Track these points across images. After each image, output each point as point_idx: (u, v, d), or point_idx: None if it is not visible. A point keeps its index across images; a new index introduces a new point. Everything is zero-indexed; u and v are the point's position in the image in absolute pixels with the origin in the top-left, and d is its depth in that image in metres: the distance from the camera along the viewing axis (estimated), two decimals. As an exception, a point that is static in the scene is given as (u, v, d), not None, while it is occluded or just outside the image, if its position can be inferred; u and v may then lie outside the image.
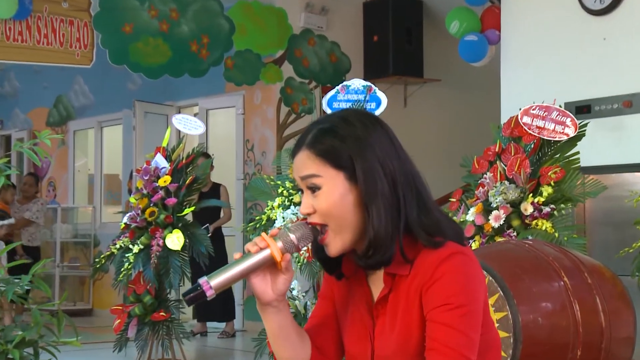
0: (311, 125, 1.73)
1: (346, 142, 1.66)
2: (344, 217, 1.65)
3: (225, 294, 8.44)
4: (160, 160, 5.79)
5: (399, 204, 1.64)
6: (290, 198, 4.60)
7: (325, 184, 1.66)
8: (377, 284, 1.72)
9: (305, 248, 1.86)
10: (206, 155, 7.69)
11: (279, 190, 4.70)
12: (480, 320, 1.61)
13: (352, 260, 1.73)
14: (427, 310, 1.59)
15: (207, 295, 1.62)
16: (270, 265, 1.68)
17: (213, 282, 1.63)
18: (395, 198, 1.65)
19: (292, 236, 1.67)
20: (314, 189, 1.68)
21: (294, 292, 4.64)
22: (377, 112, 4.82)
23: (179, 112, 9.53)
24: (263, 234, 1.69)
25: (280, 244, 1.67)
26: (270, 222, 4.67)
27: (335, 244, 1.68)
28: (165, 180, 5.68)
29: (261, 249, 1.66)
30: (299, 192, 4.56)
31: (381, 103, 4.84)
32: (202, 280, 1.63)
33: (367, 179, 1.64)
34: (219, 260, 7.81)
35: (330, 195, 1.66)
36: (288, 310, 1.76)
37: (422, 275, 1.62)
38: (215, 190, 8.33)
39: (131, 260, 5.62)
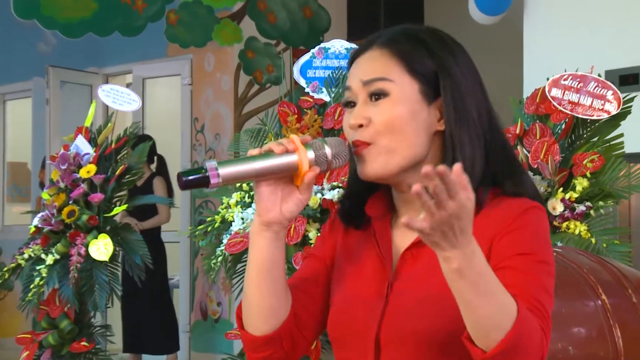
0: (383, 31, 1.83)
1: (433, 51, 1.76)
2: (407, 137, 1.73)
3: (167, 317, 8.52)
4: (82, 145, 5.77)
5: (484, 138, 1.76)
6: (252, 193, 4.61)
7: (396, 91, 1.74)
8: (406, 229, 1.78)
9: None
10: (145, 138, 7.70)
11: (237, 184, 4.71)
12: (553, 282, 1.71)
13: (381, 200, 1.83)
14: (501, 258, 1.67)
15: (211, 182, 1.68)
16: (287, 177, 1.74)
17: (222, 170, 1.68)
18: (481, 131, 1.76)
19: (328, 149, 1.72)
20: (378, 95, 1.75)
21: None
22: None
23: (107, 82, 9.49)
24: (293, 135, 1.73)
25: (311, 153, 1.72)
26: (226, 224, 4.68)
27: (377, 162, 1.74)
28: (88, 171, 5.67)
29: (287, 152, 1.71)
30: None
31: (369, 71, 4.86)
32: (209, 164, 1.68)
33: (456, 101, 1.74)
34: (158, 274, 7.81)
35: (399, 105, 1.73)
36: (284, 244, 1.80)
37: (499, 222, 1.71)
38: (151, 183, 8.31)
39: (43, 275, 5.60)
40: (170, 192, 8.45)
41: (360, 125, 1.75)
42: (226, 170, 1.69)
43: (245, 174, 1.71)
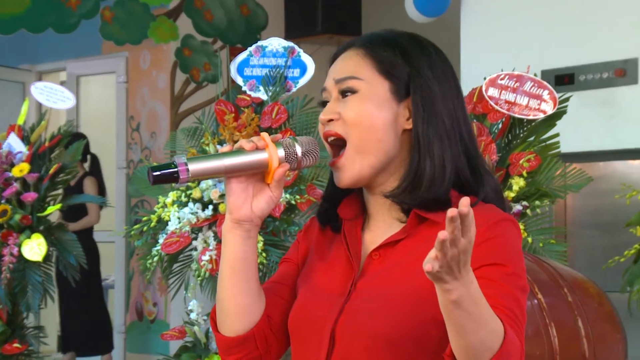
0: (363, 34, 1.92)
1: (407, 53, 1.82)
2: (374, 133, 1.77)
3: (100, 317, 8.45)
4: (14, 143, 5.71)
5: (457, 141, 1.79)
6: (189, 193, 4.59)
7: (365, 88, 1.80)
8: (379, 231, 1.83)
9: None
10: (79, 137, 7.63)
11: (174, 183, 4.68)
12: (527, 291, 1.73)
13: (354, 202, 1.87)
14: (474, 267, 1.66)
15: (180, 177, 1.71)
16: (258, 174, 1.77)
17: (192, 166, 1.72)
18: (453, 133, 1.79)
19: (298, 147, 1.76)
20: (347, 92, 1.80)
21: (192, 316, 4.64)
22: (302, 81, 4.84)
23: (40, 80, 9.39)
24: (264, 134, 1.77)
25: (281, 151, 1.75)
26: (162, 223, 4.65)
27: (352, 167, 1.79)
28: (21, 169, 5.61)
29: (257, 149, 1.75)
30: (198, 185, 4.56)
31: (307, 69, 4.86)
32: (179, 160, 1.72)
33: (425, 99, 1.79)
34: (90, 274, 7.75)
35: (366, 102, 1.79)
36: (256, 242, 1.83)
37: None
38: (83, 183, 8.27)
39: (-25, 275, 5.53)
40: (102, 192, 8.39)
41: (330, 120, 1.81)
42: (195, 166, 1.73)
43: (214, 170, 1.74)
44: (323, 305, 1.80)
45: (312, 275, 1.88)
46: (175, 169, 1.72)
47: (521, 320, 1.66)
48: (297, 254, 1.95)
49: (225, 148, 1.77)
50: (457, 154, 1.79)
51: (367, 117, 1.78)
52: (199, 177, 1.74)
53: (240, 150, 1.75)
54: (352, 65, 1.83)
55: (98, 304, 8.50)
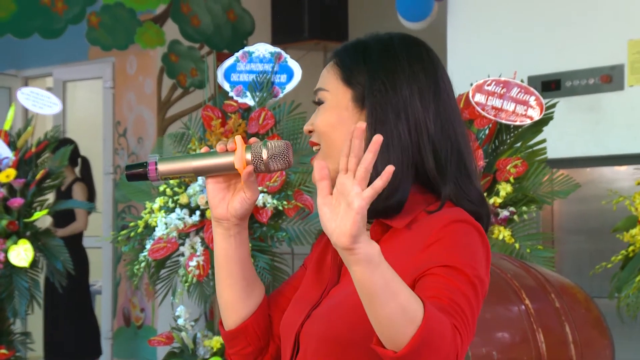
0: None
1: (370, 60, 1.84)
2: (335, 141, 1.83)
3: (88, 323, 8.43)
4: (0, 148, 5.70)
5: (418, 152, 1.79)
6: (176, 198, 4.59)
7: (329, 99, 1.87)
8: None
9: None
10: (67, 142, 7.62)
11: (161, 189, 4.68)
12: (482, 297, 1.70)
13: None
14: (422, 270, 1.69)
15: (149, 176, 1.81)
16: (234, 176, 1.85)
17: (161, 166, 1.82)
18: (410, 139, 1.79)
19: (264, 151, 1.81)
20: (319, 103, 1.89)
21: (180, 321, 4.63)
22: (288, 87, 4.84)
23: (26, 85, 9.37)
24: (238, 136, 1.84)
25: (249, 155, 1.81)
26: (149, 229, 4.65)
27: None
28: (8, 175, 5.59)
29: (227, 151, 1.82)
30: (186, 191, 4.56)
31: (294, 75, 4.86)
32: (150, 160, 1.82)
33: (376, 107, 1.81)
34: (78, 280, 7.74)
35: (328, 111, 1.86)
36: (242, 240, 1.91)
37: (424, 235, 1.73)
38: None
39: (-38, 281, 5.52)
40: (91, 197, 8.38)
41: (310, 131, 1.89)
42: (165, 166, 1.82)
43: (182, 170, 1.83)
44: (297, 312, 1.86)
45: (304, 282, 1.93)
46: (146, 168, 1.81)
47: (467, 315, 1.63)
48: (309, 258, 2.01)
49: (203, 149, 1.88)
50: (420, 159, 1.79)
51: (328, 126, 1.84)
52: (169, 176, 1.82)
53: (213, 152, 1.83)
54: (324, 76, 1.89)
55: (86, 310, 8.49)
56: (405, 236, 1.75)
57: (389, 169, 1.52)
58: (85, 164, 8.57)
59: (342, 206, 1.52)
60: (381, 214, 1.79)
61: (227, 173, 1.84)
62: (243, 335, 1.93)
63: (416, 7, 6.75)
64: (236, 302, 1.92)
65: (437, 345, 1.54)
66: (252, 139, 1.84)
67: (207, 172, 1.84)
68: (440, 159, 1.81)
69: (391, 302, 1.52)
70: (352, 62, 1.86)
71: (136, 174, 1.82)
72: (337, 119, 1.84)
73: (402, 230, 1.77)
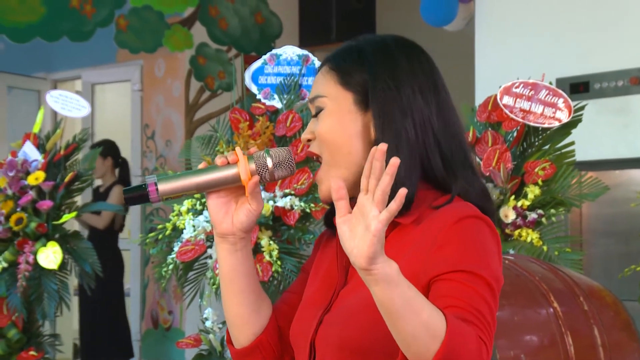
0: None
1: (367, 61, 1.82)
2: (341, 147, 1.80)
3: (119, 324, 8.46)
4: (30, 151, 5.73)
5: (425, 150, 1.79)
6: (204, 200, 4.60)
7: (329, 105, 1.83)
8: None
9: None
10: (107, 144, 7.73)
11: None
12: (498, 294, 1.70)
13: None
14: (436, 274, 1.67)
15: (150, 197, 1.75)
16: (240, 189, 1.80)
17: (161, 186, 1.75)
18: (416, 138, 1.78)
19: (269, 159, 1.78)
20: (318, 111, 1.84)
21: (208, 324, 4.65)
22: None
23: (55, 88, 9.42)
24: (237, 148, 1.79)
25: (253, 165, 1.77)
26: (177, 232, 4.66)
27: (327, 181, 1.82)
28: (37, 178, 5.62)
29: (229, 164, 1.78)
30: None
31: (321, 78, 4.87)
32: (149, 180, 1.75)
33: (381, 107, 1.79)
34: (115, 281, 7.83)
35: (330, 117, 1.82)
36: (248, 254, 1.87)
37: (433, 233, 1.72)
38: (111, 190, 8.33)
39: (-9, 283, 5.55)
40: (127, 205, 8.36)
41: (309, 140, 1.85)
42: (165, 186, 1.76)
43: (184, 188, 1.77)
44: (307, 317, 1.83)
45: (310, 286, 1.91)
46: (145, 190, 1.75)
47: (489, 321, 1.63)
48: (309, 262, 1.99)
49: (201, 165, 1.81)
50: (426, 156, 1.79)
51: (331, 132, 1.81)
52: (170, 196, 1.76)
53: (213, 167, 1.78)
54: (319, 83, 1.86)
55: (122, 311, 8.53)
56: (414, 232, 1.74)
57: (402, 192, 1.51)
58: (125, 167, 8.62)
59: (360, 226, 1.52)
60: None
61: (231, 186, 1.79)
62: (259, 350, 1.90)
63: (439, 11, 6.74)
64: (248, 317, 1.89)
65: (462, 357, 1.54)
66: (252, 149, 1.81)
67: (210, 187, 1.79)
68: (446, 155, 1.81)
69: (413, 320, 1.52)
70: (348, 65, 1.83)
71: (136, 196, 1.76)
72: (340, 124, 1.81)
73: (409, 227, 1.77)
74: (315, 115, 1.85)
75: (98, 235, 7.90)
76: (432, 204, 1.78)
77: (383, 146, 1.53)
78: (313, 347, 1.80)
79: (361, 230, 1.51)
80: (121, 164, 8.59)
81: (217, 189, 1.80)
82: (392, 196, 1.54)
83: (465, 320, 1.58)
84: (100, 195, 8.07)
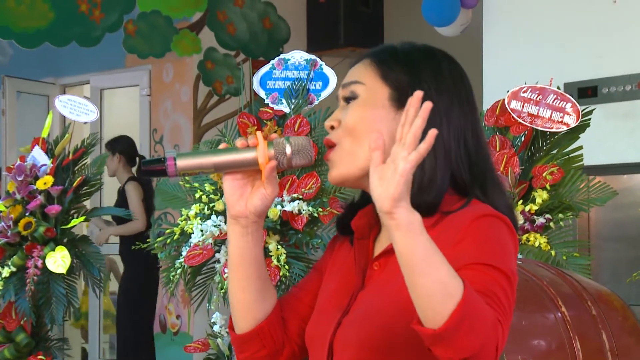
0: None
1: (410, 62, 1.83)
2: (365, 140, 1.76)
3: (140, 326, 8.44)
4: (38, 156, 5.73)
5: (460, 153, 1.79)
6: (212, 205, 4.60)
7: (365, 93, 1.82)
8: (385, 241, 1.83)
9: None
10: (124, 140, 7.73)
11: (197, 196, 4.69)
12: (512, 286, 1.69)
13: (370, 213, 1.85)
14: (455, 267, 1.66)
15: (168, 171, 1.77)
16: (253, 172, 1.81)
17: (180, 161, 1.77)
18: (448, 145, 1.78)
19: (288, 146, 1.79)
20: (350, 98, 1.83)
21: (216, 328, 4.65)
22: (324, 94, 4.84)
23: (64, 93, 9.43)
24: (258, 132, 1.80)
25: (272, 151, 1.78)
26: (185, 236, 4.66)
27: (340, 165, 1.81)
28: (45, 182, 5.63)
29: (248, 147, 1.79)
30: (222, 198, 4.57)
31: (329, 82, 4.86)
32: (168, 155, 1.77)
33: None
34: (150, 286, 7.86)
35: (363, 107, 1.81)
36: (258, 239, 1.87)
37: (454, 230, 1.72)
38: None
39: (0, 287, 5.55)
40: (147, 196, 8.28)
41: (332, 127, 1.84)
42: (184, 161, 1.78)
43: (202, 166, 1.79)
44: (325, 320, 1.83)
45: (324, 291, 1.91)
46: (164, 164, 1.77)
47: (506, 308, 1.63)
48: (323, 261, 1.99)
49: (221, 145, 1.83)
50: (456, 164, 1.79)
51: (361, 122, 1.81)
52: (188, 172, 1.78)
53: (233, 148, 1.80)
54: (358, 71, 1.86)
55: (150, 314, 8.50)
56: (432, 235, 1.73)
57: (432, 132, 1.51)
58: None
59: (390, 171, 1.51)
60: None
61: (248, 169, 1.81)
62: (258, 338, 1.90)
63: (441, 11, 6.73)
64: (252, 303, 1.89)
65: (477, 325, 1.53)
66: (273, 135, 1.82)
67: (228, 167, 1.80)
68: (474, 171, 1.81)
69: (431, 274, 1.51)
70: (391, 61, 1.83)
71: (154, 169, 1.78)
72: (372, 115, 1.81)
73: (428, 229, 1.74)
74: (347, 101, 1.84)
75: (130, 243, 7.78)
76: (450, 208, 1.78)
77: (419, 93, 1.54)
78: (331, 349, 1.80)
79: (390, 174, 1.51)
80: (139, 160, 8.53)
81: (234, 170, 1.81)
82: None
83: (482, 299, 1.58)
84: (120, 194, 8.05)
